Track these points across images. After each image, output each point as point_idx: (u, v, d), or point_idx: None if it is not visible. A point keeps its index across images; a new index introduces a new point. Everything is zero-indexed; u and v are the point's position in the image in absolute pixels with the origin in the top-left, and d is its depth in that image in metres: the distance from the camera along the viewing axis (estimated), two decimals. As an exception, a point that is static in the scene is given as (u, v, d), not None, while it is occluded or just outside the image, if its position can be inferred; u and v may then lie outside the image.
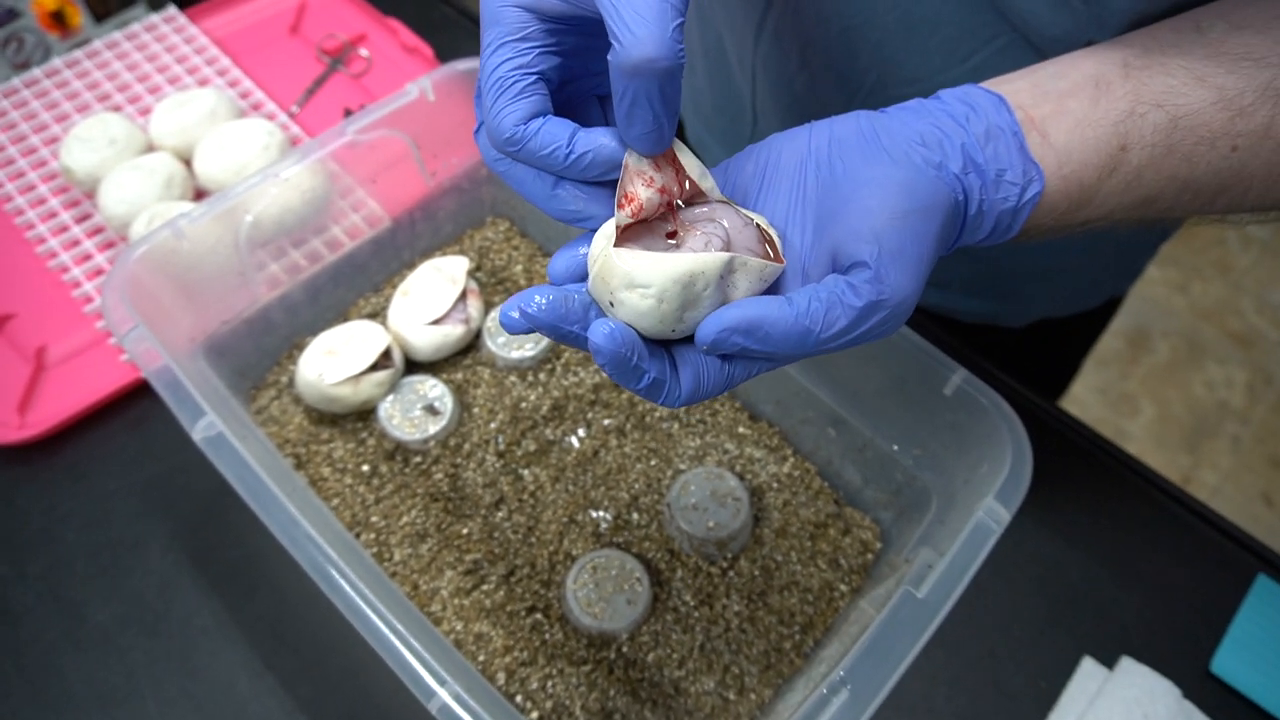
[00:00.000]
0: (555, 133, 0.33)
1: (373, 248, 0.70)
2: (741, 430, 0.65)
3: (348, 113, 0.86)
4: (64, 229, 0.75)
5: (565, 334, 0.33)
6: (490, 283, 0.72)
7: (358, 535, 0.59)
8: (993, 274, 0.70)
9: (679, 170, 0.35)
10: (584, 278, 0.35)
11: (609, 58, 0.31)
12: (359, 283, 0.70)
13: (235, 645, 0.57)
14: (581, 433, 0.64)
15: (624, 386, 0.34)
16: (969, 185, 0.36)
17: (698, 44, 0.75)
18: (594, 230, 0.35)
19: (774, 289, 0.35)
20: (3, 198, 0.76)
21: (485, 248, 0.74)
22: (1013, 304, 0.74)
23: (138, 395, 0.67)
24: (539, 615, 0.57)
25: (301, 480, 0.60)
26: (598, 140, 0.34)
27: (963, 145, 0.36)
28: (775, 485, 0.62)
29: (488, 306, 0.69)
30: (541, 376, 0.67)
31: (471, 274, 0.71)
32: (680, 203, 0.35)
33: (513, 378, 0.67)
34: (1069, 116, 0.37)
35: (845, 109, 0.60)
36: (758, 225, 0.35)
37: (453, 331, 0.66)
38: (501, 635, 0.55)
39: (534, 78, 0.34)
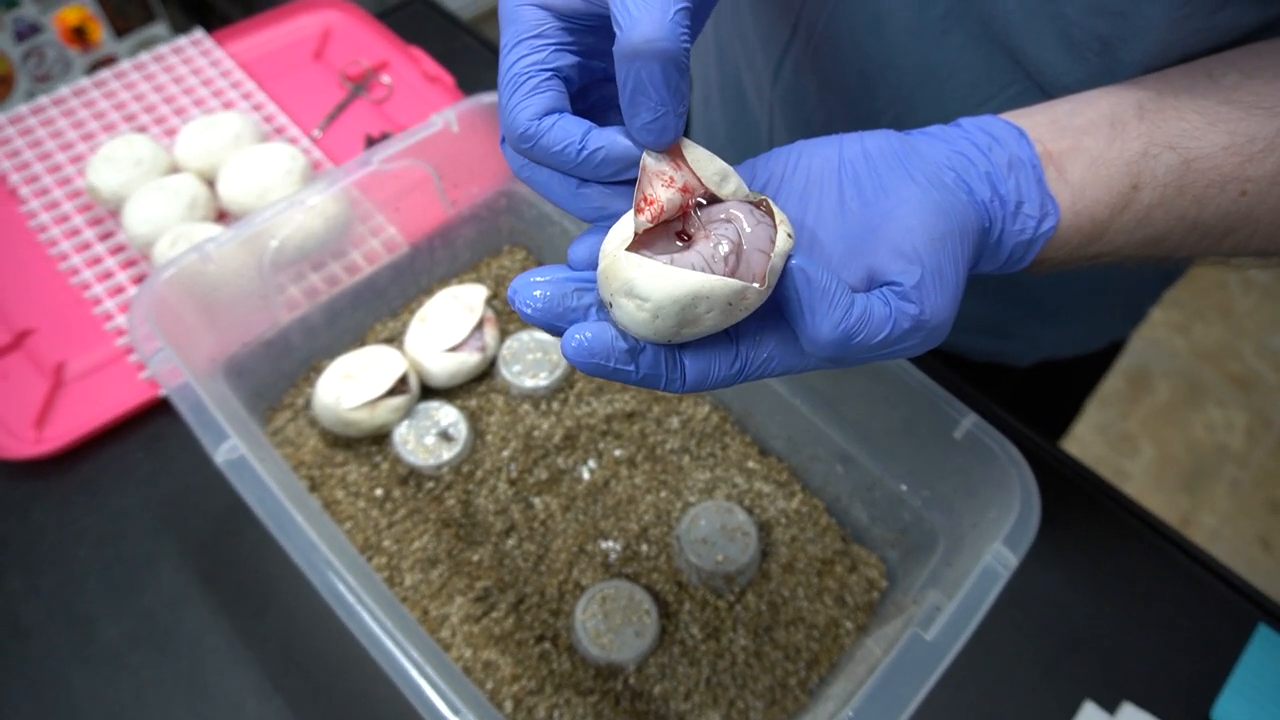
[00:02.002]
0: (569, 129, 0.33)
1: (391, 273, 0.71)
2: (751, 465, 0.66)
3: (369, 138, 0.87)
4: (87, 246, 0.76)
5: (559, 331, 0.33)
6: (506, 311, 0.73)
7: (370, 559, 0.59)
8: (999, 313, 0.71)
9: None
10: None
11: (613, 49, 0.31)
12: (377, 308, 0.71)
13: (245, 666, 0.58)
14: (593, 463, 0.65)
15: None
16: (993, 213, 0.36)
17: (715, 78, 0.77)
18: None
19: (783, 281, 0.33)
20: (27, 214, 0.77)
21: (502, 276, 0.75)
22: (1018, 344, 0.75)
23: (154, 413, 0.68)
24: (547, 644, 0.57)
25: (316, 503, 0.61)
26: (611, 137, 0.33)
27: (987, 173, 0.36)
28: (783, 521, 0.63)
29: (504, 335, 0.70)
30: (554, 405, 0.68)
31: (489, 302, 0.72)
32: (701, 200, 0.33)
33: (526, 406, 0.67)
34: (1085, 154, 0.38)
35: None
36: (769, 212, 0.33)
37: (469, 359, 0.66)
38: (510, 663, 0.56)
39: (549, 74, 0.34)
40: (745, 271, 0.31)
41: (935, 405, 0.54)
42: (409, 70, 0.93)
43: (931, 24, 0.51)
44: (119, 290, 0.73)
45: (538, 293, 0.33)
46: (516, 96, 0.33)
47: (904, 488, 0.59)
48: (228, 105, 0.87)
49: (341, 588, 0.45)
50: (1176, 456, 1.87)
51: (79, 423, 0.66)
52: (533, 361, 0.68)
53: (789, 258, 0.32)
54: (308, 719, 0.56)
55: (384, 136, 0.87)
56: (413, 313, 0.71)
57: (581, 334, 0.32)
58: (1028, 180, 0.37)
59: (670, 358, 0.33)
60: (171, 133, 0.84)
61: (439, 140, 0.66)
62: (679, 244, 0.32)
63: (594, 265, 0.34)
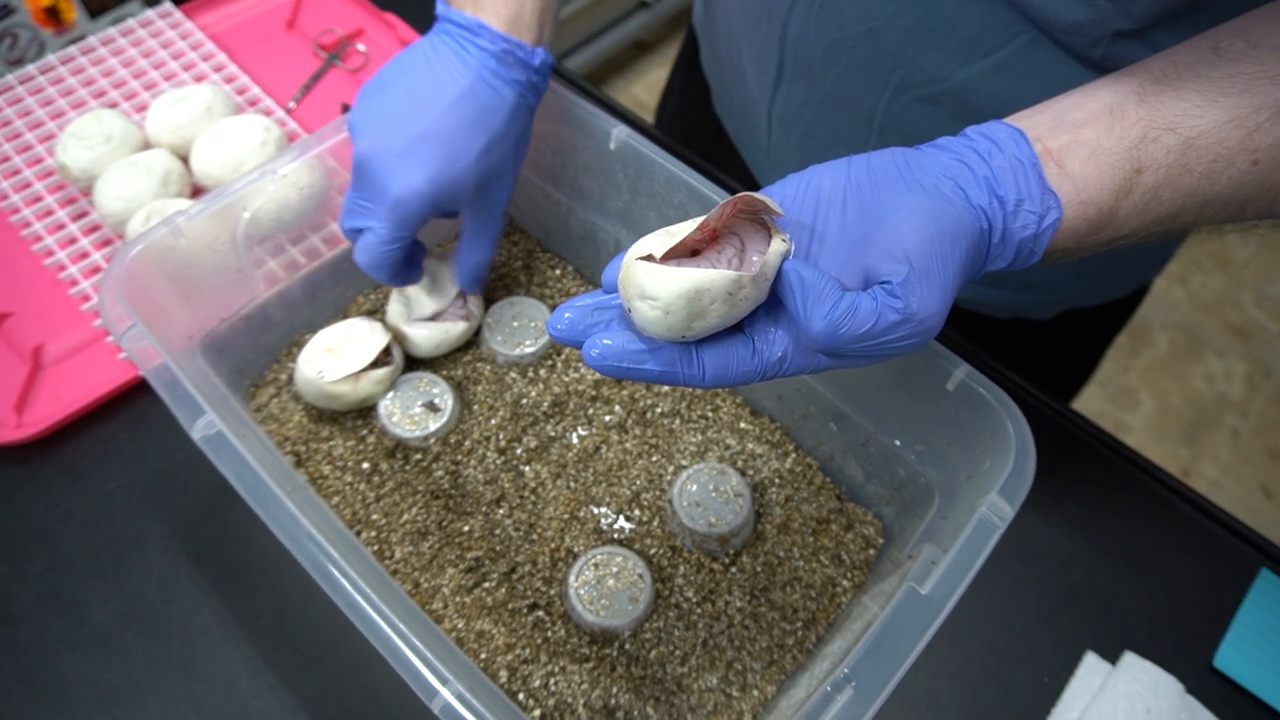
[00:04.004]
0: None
1: (371, 244, 0.69)
2: (743, 426, 0.65)
3: (345, 108, 0.85)
4: (60, 226, 0.74)
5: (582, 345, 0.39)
6: (490, 278, 0.71)
7: (358, 533, 0.59)
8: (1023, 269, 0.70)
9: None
10: None
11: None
12: (358, 279, 0.69)
13: (236, 644, 0.57)
14: (582, 429, 0.64)
15: None
16: (992, 214, 0.38)
17: (724, 52, 0.75)
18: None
19: (781, 281, 0.37)
20: (-2, 195, 0.76)
21: (484, 244, 0.73)
22: (1042, 295, 0.74)
23: (136, 393, 0.67)
24: (541, 613, 0.56)
25: (301, 478, 0.60)
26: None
27: (985, 177, 0.38)
28: (777, 481, 0.62)
29: (488, 303, 0.69)
30: (542, 373, 0.67)
31: (471, 270, 0.70)
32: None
33: (513, 374, 0.66)
34: (1084, 146, 0.39)
35: (871, 111, 0.61)
36: (765, 223, 0.38)
37: (453, 328, 0.65)
38: (503, 633, 0.55)
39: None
40: (745, 270, 0.36)
41: (927, 358, 0.53)
42: (385, 37, 0.91)
43: None
44: (95, 270, 0.72)
45: (567, 315, 0.40)
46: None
47: (898, 443, 0.58)
48: (199, 78, 0.85)
49: (324, 560, 0.44)
50: (1176, 408, 1.86)
51: (60, 405, 0.65)
52: (518, 329, 0.67)
53: (785, 257, 0.37)
54: (301, 695, 0.56)
55: (361, 105, 0.85)
56: (394, 283, 0.69)
57: (598, 340, 0.38)
58: (1027, 179, 0.38)
59: (687, 355, 0.38)
60: (142, 108, 0.82)
61: (413, 104, 0.64)
62: (691, 259, 0.38)
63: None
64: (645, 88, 2.27)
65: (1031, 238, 0.39)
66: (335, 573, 0.43)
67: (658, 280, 0.35)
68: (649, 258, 0.36)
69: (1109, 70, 0.42)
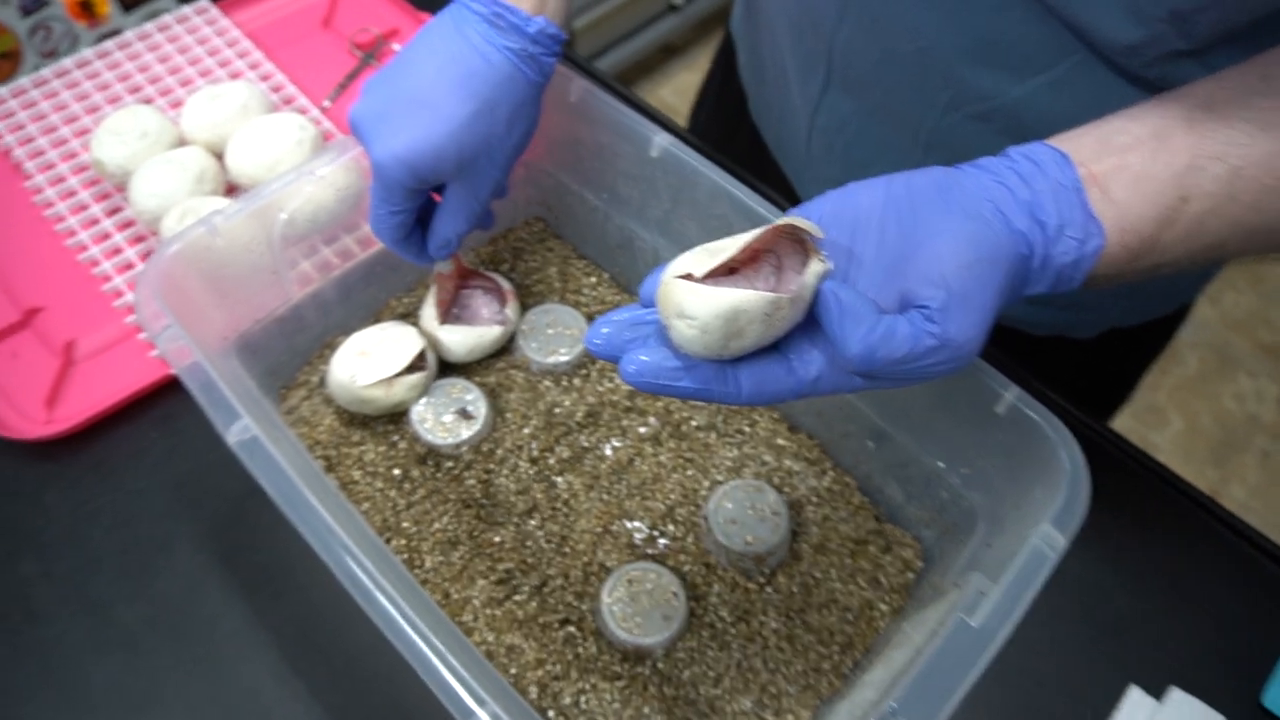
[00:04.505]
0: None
1: (406, 247, 0.68)
2: (780, 441, 0.64)
3: (380, 108, 0.84)
4: (94, 222, 0.74)
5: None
6: (525, 284, 0.70)
7: (388, 541, 0.58)
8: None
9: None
10: None
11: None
12: (391, 282, 0.69)
13: (263, 649, 0.56)
14: (616, 441, 0.63)
15: None
16: (1033, 239, 0.37)
17: (769, 56, 0.75)
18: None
19: (819, 302, 0.37)
20: (33, 189, 0.75)
21: (520, 248, 0.72)
22: (1085, 314, 0.73)
23: (167, 392, 0.66)
24: (572, 628, 0.55)
25: (332, 483, 0.59)
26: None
27: (1027, 201, 0.37)
28: (814, 499, 0.61)
29: (523, 308, 0.68)
30: (576, 382, 0.66)
31: (506, 275, 0.70)
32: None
33: (547, 382, 0.65)
34: (1128, 172, 0.38)
35: (918, 127, 0.60)
36: (802, 242, 0.37)
37: (488, 333, 0.64)
38: (534, 648, 0.54)
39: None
40: (783, 290, 0.36)
41: (975, 379, 0.52)
42: (420, 37, 0.90)
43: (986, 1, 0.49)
44: (127, 266, 0.71)
45: (605, 330, 0.40)
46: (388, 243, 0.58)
47: (941, 465, 0.57)
48: (234, 75, 0.84)
49: (359, 572, 0.43)
50: (1205, 428, 1.83)
51: (90, 402, 0.65)
52: (553, 336, 0.66)
53: (822, 278, 0.36)
54: (328, 703, 0.55)
55: (396, 106, 0.84)
56: (428, 287, 0.68)
57: (635, 356, 0.38)
58: (1070, 204, 0.37)
59: (723, 373, 0.37)
60: (177, 104, 0.81)
61: (453, 107, 0.63)
62: (730, 277, 0.37)
63: None
64: (673, 91, 2.26)
65: (1072, 264, 0.38)
66: (372, 588, 0.42)
67: (696, 300, 0.35)
68: (688, 276, 0.36)
69: (1163, 89, 0.41)
